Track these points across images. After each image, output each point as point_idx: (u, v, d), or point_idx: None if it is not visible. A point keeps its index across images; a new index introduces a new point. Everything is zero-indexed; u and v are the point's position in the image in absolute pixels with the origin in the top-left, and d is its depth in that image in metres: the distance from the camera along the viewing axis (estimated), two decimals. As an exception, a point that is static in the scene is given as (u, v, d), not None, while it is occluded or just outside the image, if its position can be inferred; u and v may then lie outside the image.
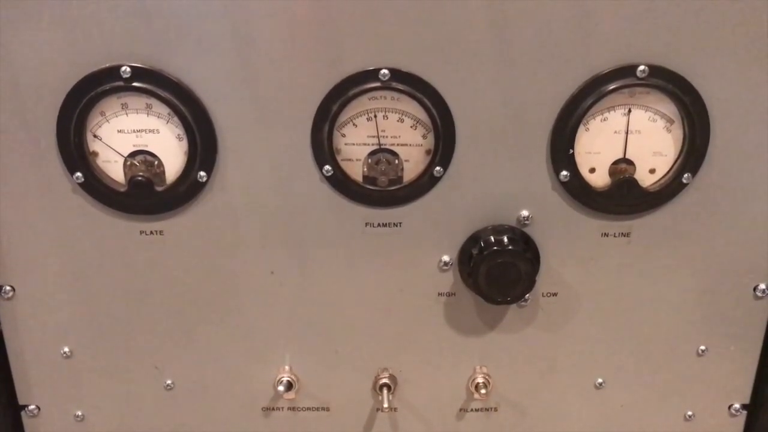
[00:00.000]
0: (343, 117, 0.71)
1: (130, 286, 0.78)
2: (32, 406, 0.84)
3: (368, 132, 0.72)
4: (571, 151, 0.71)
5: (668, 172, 0.73)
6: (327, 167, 0.72)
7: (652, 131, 0.72)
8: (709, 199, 0.74)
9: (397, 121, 0.71)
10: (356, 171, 0.73)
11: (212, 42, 0.67)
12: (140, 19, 0.66)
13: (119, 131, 0.71)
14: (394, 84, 0.69)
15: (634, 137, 0.72)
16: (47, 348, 0.81)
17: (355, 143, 0.72)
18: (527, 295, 0.77)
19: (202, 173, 0.72)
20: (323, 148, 0.71)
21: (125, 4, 0.66)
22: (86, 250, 0.76)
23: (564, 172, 0.72)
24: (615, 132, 0.72)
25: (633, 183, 0.73)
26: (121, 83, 0.68)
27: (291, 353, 0.82)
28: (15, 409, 0.84)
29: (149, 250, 0.76)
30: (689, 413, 0.85)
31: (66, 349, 0.81)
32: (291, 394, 0.82)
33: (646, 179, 0.74)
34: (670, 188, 0.73)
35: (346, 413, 0.85)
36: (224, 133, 0.71)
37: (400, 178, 0.74)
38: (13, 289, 0.78)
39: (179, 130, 0.71)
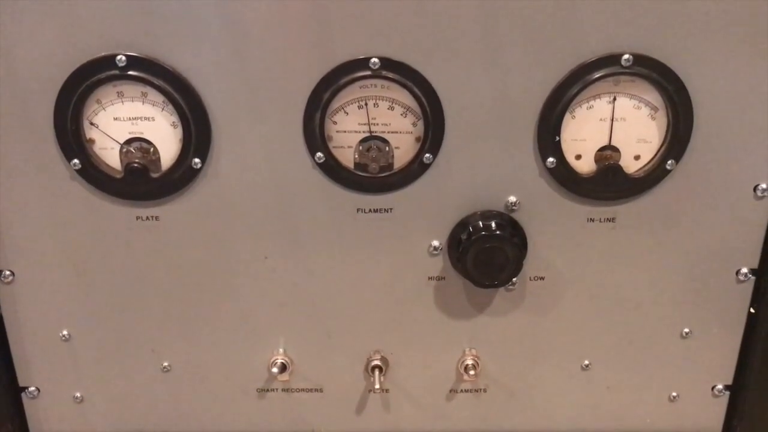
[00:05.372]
0: (335, 105, 0.72)
1: (127, 271, 0.79)
2: (32, 388, 0.85)
3: (359, 120, 0.73)
4: (558, 138, 0.73)
5: (652, 159, 0.75)
6: (319, 154, 0.73)
7: (636, 119, 0.73)
8: (693, 185, 0.76)
9: (388, 109, 0.73)
10: (348, 158, 0.74)
11: (206, 31, 0.68)
12: (135, 9, 0.67)
13: (115, 119, 0.72)
14: (385, 72, 0.70)
15: (619, 125, 0.73)
16: (46, 331, 0.82)
17: (346, 131, 0.73)
18: (515, 279, 0.78)
19: (197, 160, 0.73)
20: (315, 136, 0.72)
21: (120, -6, 0.67)
22: (84, 235, 0.77)
23: (550, 159, 0.74)
24: (600, 119, 0.73)
25: (618, 169, 0.74)
26: (116, 72, 0.69)
27: (285, 336, 0.84)
28: (15, 390, 0.85)
29: (145, 236, 0.77)
30: (673, 394, 0.87)
31: (65, 332, 0.82)
32: (285, 376, 0.84)
33: (630, 166, 0.75)
34: (655, 174, 0.75)
35: (339, 394, 0.87)
36: (218, 121, 0.72)
37: (391, 165, 0.75)
38: (13, 274, 0.79)
39: (174, 118, 0.72)
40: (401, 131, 0.74)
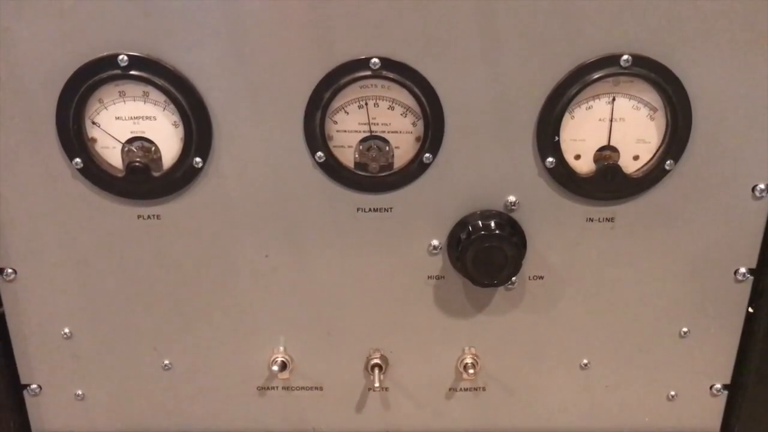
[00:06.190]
0: (335, 104, 0.72)
1: (128, 269, 0.80)
2: (34, 386, 0.86)
3: (359, 119, 0.73)
4: (557, 138, 0.73)
5: (651, 159, 0.75)
6: (319, 154, 0.74)
7: (635, 119, 0.73)
8: (691, 185, 0.76)
9: (388, 108, 0.73)
10: (348, 157, 0.75)
11: (207, 31, 0.69)
12: (137, 9, 0.68)
13: (117, 118, 0.73)
14: (385, 72, 0.70)
15: (618, 125, 0.74)
16: (48, 329, 0.82)
17: (346, 130, 0.74)
18: (514, 278, 0.79)
19: (198, 159, 0.74)
20: (315, 135, 0.73)
21: (122, -6, 0.67)
22: (85, 233, 0.78)
23: (550, 159, 0.74)
24: (599, 120, 0.73)
25: (617, 169, 0.74)
26: (118, 71, 0.70)
27: (285, 334, 0.84)
28: (17, 387, 0.85)
29: (147, 234, 0.78)
30: (672, 393, 0.87)
31: (66, 330, 0.83)
32: (285, 374, 0.84)
33: (629, 166, 0.75)
34: (653, 174, 0.75)
35: (339, 392, 0.87)
36: (219, 120, 0.73)
37: (391, 164, 0.75)
38: (15, 272, 0.79)
39: (175, 117, 0.72)
40: (401, 131, 0.74)
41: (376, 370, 0.84)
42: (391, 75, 0.70)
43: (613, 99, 0.72)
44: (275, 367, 0.83)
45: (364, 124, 0.74)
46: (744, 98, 0.72)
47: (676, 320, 0.83)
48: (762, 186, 0.75)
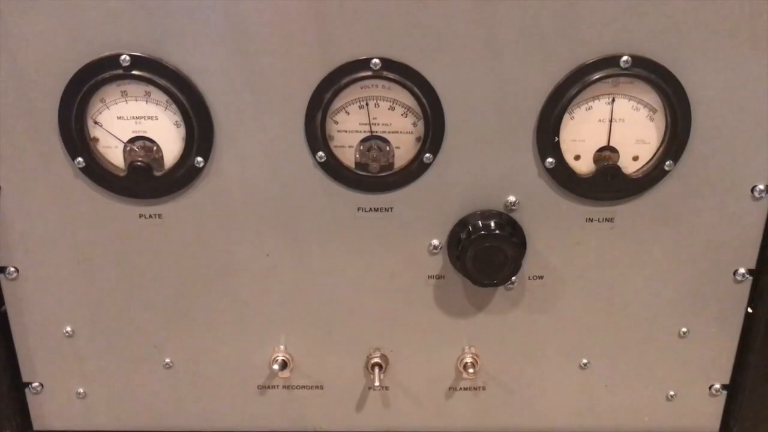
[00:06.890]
0: (336, 105, 0.72)
1: (129, 268, 0.80)
2: (36, 384, 0.86)
3: (360, 119, 0.74)
4: (557, 138, 0.73)
5: (651, 160, 0.75)
6: (320, 153, 0.74)
7: (635, 120, 0.73)
8: (691, 186, 0.76)
9: (389, 109, 0.73)
10: (348, 157, 0.75)
11: (209, 32, 0.69)
12: (139, 9, 0.68)
13: (119, 118, 0.73)
14: (386, 73, 0.70)
15: (617, 125, 0.74)
16: (50, 327, 0.83)
17: (347, 130, 0.74)
18: (514, 278, 0.79)
19: (199, 159, 0.74)
20: (316, 135, 0.73)
21: (124, -5, 0.67)
22: (87, 232, 0.78)
23: (549, 159, 0.74)
24: (599, 120, 0.73)
25: (617, 170, 0.74)
26: (120, 71, 0.70)
27: (286, 333, 0.84)
28: (19, 386, 0.86)
29: (148, 233, 0.78)
30: (671, 393, 0.87)
31: (68, 329, 0.83)
32: (286, 373, 0.84)
33: (629, 166, 0.75)
34: (653, 175, 0.75)
35: (339, 391, 0.88)
36: (221, 120, 0.73)
37: (391, 164, 0.75)
38: (17, 270, 0.80)
39: (177, 117, 0.73)
40: (402, 131, 0.74)
41: (377, 369, 0.84)
42: (391, 75, 0.71)
43: (613, 100, 0.73)
44: (276, 366, 0.83)
45: (365, 124, 0.74)
46: (744, 99, 0.72)
47: (676, 320, 0.83)
48: (761, 186, 0.76)
